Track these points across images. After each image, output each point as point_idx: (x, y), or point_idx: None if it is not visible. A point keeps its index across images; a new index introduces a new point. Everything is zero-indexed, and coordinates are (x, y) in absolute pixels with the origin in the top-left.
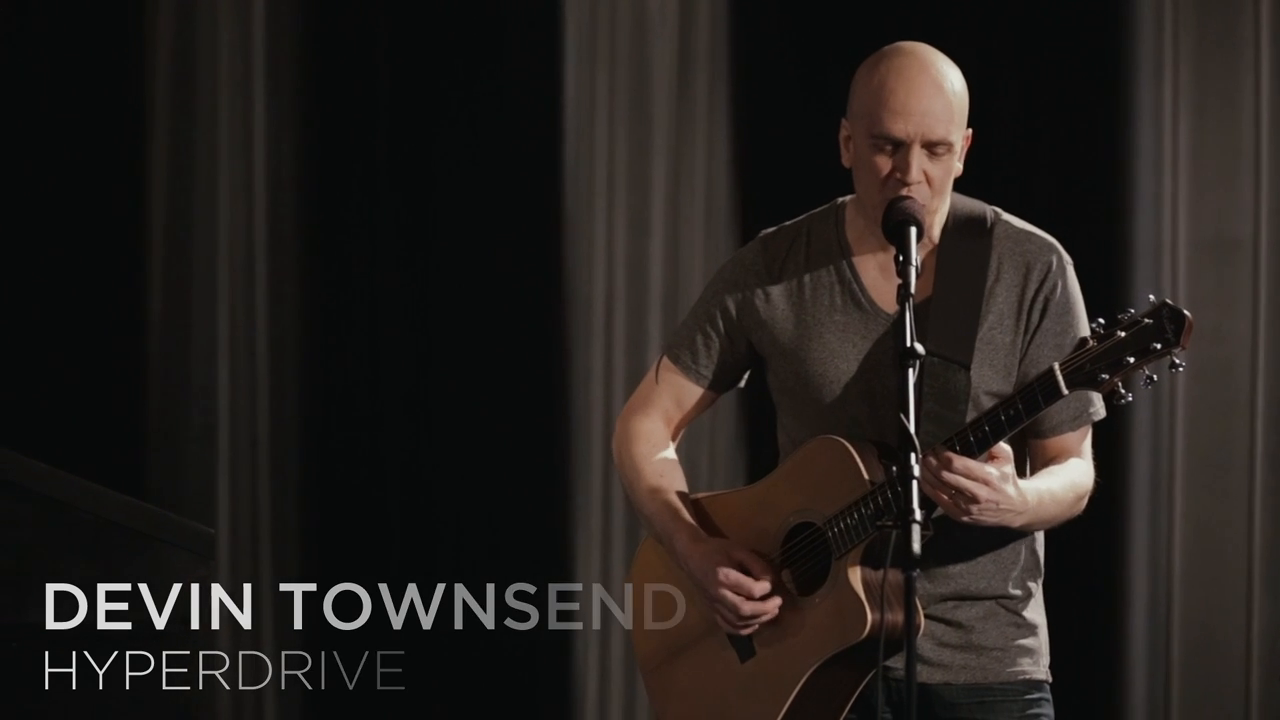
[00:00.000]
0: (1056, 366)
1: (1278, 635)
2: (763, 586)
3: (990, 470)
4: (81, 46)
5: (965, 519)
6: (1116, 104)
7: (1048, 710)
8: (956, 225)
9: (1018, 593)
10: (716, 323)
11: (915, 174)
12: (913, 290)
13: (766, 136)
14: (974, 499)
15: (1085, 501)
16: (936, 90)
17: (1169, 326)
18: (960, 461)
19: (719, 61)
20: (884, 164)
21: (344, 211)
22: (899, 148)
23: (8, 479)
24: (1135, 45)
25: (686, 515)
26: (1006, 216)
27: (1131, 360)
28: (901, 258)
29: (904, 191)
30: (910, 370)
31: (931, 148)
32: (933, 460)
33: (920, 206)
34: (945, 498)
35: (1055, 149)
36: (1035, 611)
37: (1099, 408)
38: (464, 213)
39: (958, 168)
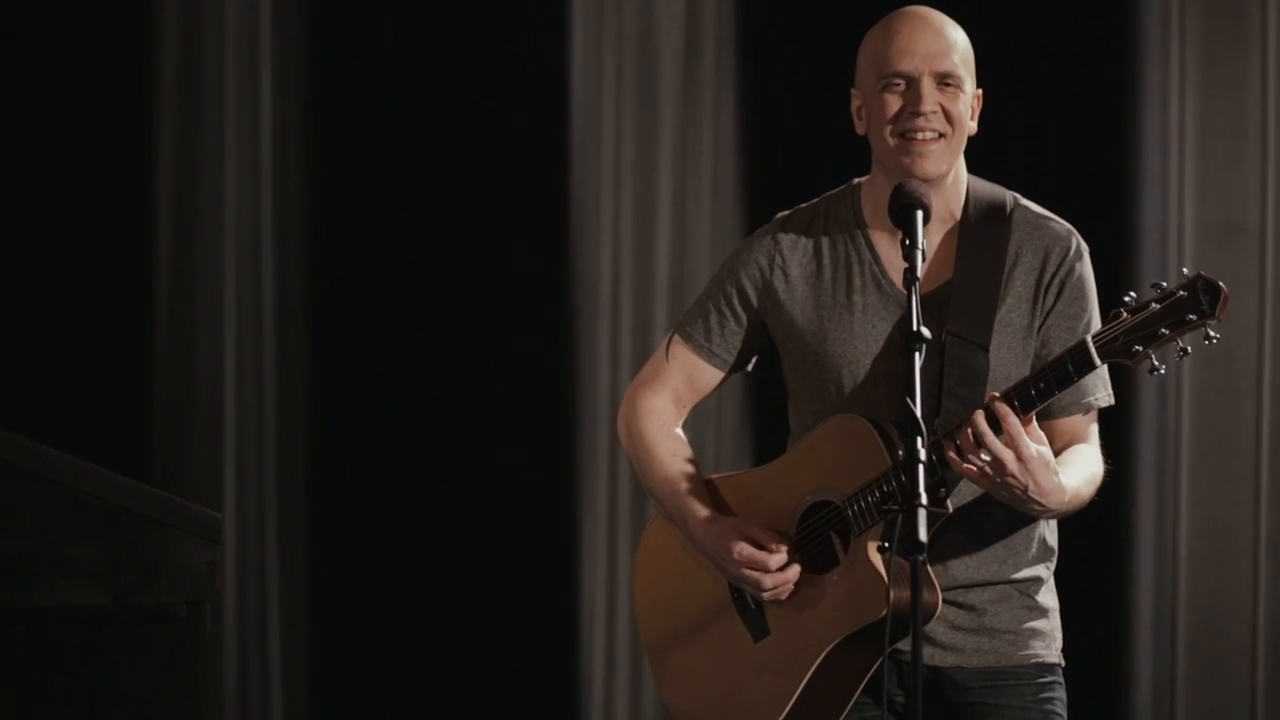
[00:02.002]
0: (1089, 339)
1: None
2: (778, 559)
3: (1034, 447)
4: (89, 34)
5: (993, 488)
6: (1123, 86)
7: (1060, 693)
8: (977, 208)
9: (1030, 578)
10: (732, 301)
11: (929, 104)
12: (919, 275)
13: (773, 120)
14: (1008, 469)
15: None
16: (940, 31)
17: (1204, 298)
18: (1013, 422)
19: (726, 45)
20: (896, 102)
21: (350, 197)
22: (910, 85)
23: (15, 463)
24: (1142, 27)
25: (700, 496)
26: (1025, 202)
27: (1166, 332)
28: (908, 241)
29: (919, 124)
30: (917, 353)
31: (942, 79)
32: (980, 421)
33: (926, 190)
34: (976, 466)
35: (1062, 131)
36: (1047, 596)
37: (1109, 393)
38: (471, 197)
39: (971, 126)
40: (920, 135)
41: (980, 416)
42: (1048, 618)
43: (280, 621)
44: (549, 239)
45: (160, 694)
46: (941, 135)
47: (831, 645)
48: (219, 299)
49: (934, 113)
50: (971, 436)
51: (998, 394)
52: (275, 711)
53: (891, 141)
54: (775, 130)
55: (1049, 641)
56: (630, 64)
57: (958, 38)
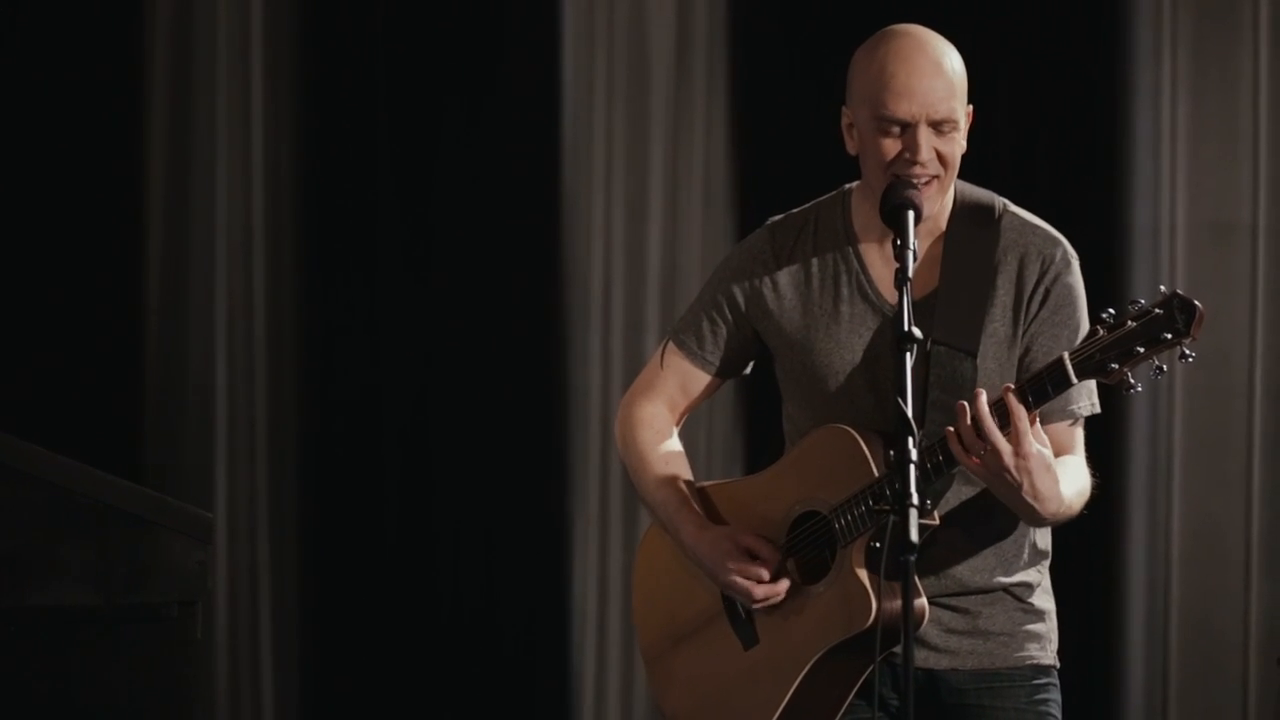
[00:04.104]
0: (1066, 356)
1: (1275, 621)
2: (766, 571)
3: (1036, 446)
4: (80, 33)
5: (989, 480)
6: (1115, 86)
7: (1055, 695)
8: (964, 213)
9: (1023, 582)
10: (723, 310)
11: (925, 153)
12: (910, 275)
13: (765, 121)
14: (1004, 461)
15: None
16: (937, 69)
17: (1179, 317)
18: (1021, 415)
19: (717, 45)
20: (891, 146)
21: (341, 197)
22: (906, 129)
23: (7, 464)
24: (1133, 28)
25: (693, 504)
26: (1014, 208)
27: (1141, 350)
28: (899, 242)
29: (915, 170)
30: (908, 355)
31: (938, 126)
32: (982, 407)
33: (917, 193)
34: (976, 457)
35: (1053, 132)
36: (1042, 598)
37: (1094, 401)
38: (462, 197)
39: (961, 144)
40: (915, 182)
41: (983, 403)
42: (1043, 620)
43: (271, 622)
44: (541, 239)
45: (151, 694)
46: (936, 177)
47: (819, 655)
48: (210, 298)
49: (930, 160)
50: (971, 423)
51: (1012, 386)
52: (267, 712)
53: (886, 180)
54: (767, 132)
55: (1044, 643)
56: (622, 65)
57: (953, 69)
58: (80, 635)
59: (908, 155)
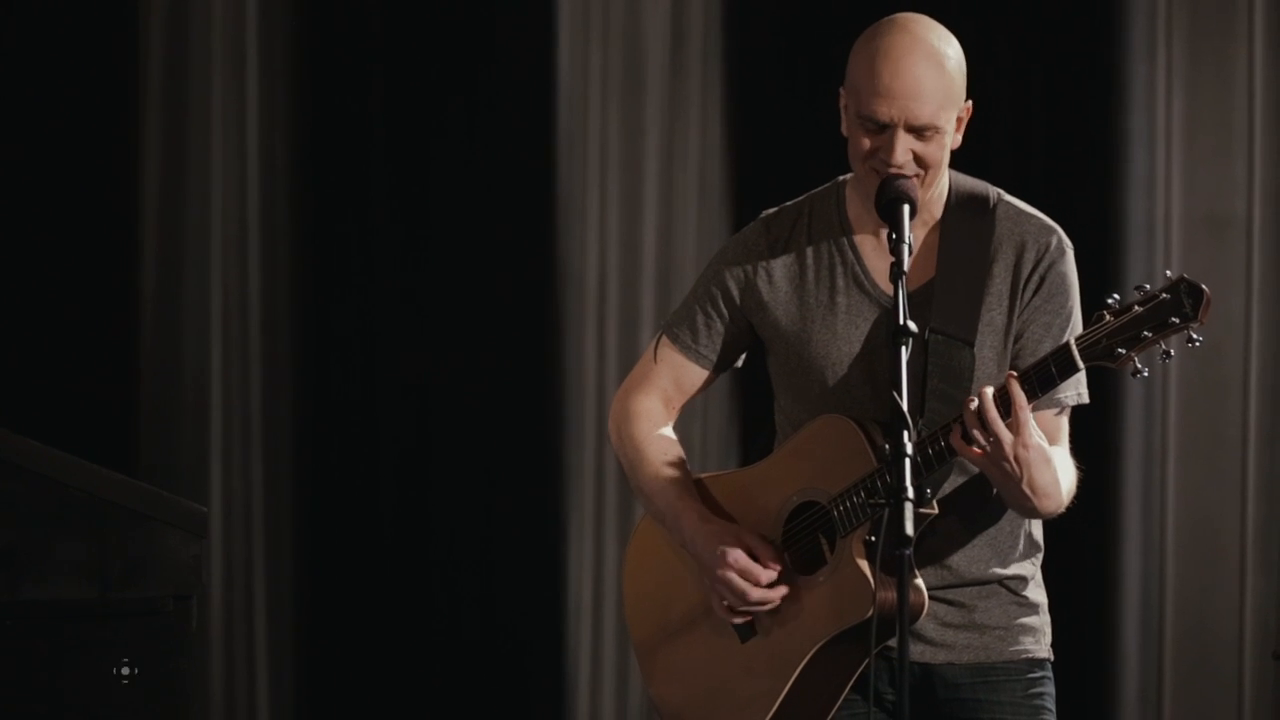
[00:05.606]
0: (1072, 341)
1: (1270, 614)
2: (769, 575)
3: (1037, 438)
4: (75, 28)
5: (990, 470)
6: (1110, 80)
7: (1049, 688)
8: (959, 204)
9: (1017, 574)
10: (718, 303)
11: (900, 156)
12: (906, 268)
13: (760, 115)
14: (1006, 451)
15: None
16: (924, 73)
17: (1187, 301)
18: (1023, 404)
19: (712, 39)
20: (868, 142)
21: (337, 191)
22: (883, 129)
23: (2, 457)
24: (1129, 21)
25: (690, 496)
26: (1009, 198)
27: (1149, 335)
28: (894, 235)
29: (891, 171)
30: (903, 349)
31: (918, 132)
32: (987, 397)
33: (912, 184)
34: (980, 444)
35: (1049, 125)
36: (1036, 591)
37: (1080, 391)
38: (457, 192)
39: (956, 140)
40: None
41: (989, 394)
42: (1037, 613)
43: (266, 616)
44: (536, 235)
45: (147, 687)
46: (916, 175)
47: (818, 646)
48: (205, 292)
49: (906, 163)
50: (975, 414)
51: (1016, 373)
52: (261, 706)
53: (860, 172)
54: (761, 126)
55: (1039, 637)
56: (616, 60)
57: (945, 69)
58: (76, 629)
59: (882, 155)
